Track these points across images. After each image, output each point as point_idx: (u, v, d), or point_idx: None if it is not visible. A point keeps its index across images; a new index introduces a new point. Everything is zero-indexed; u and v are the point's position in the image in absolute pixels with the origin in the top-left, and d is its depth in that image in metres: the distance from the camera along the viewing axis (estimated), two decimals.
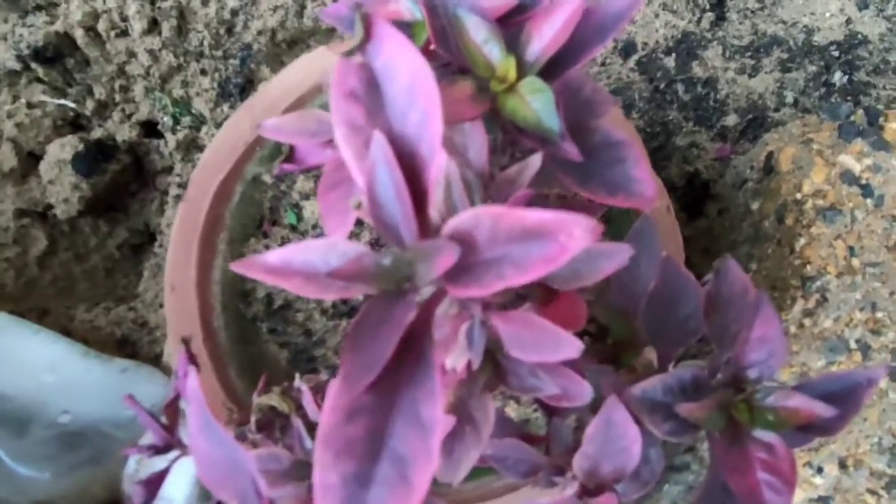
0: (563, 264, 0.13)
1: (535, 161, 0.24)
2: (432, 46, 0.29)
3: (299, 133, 0.27)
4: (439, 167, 0.16)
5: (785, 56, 0.62)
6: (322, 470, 0.13)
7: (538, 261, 0.13)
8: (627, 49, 0.63)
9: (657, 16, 0.63)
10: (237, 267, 0.17)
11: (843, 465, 0.44)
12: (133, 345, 0.59)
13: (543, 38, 0.25)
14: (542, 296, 0.22)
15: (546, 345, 0.18)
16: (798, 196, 0.48)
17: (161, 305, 0.60)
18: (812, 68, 0.61)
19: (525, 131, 0.24)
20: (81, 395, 0.47)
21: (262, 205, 0.52)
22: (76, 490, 0.43)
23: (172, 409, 0.29)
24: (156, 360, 0.57)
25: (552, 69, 0.25)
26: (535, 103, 0.24)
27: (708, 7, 0.64)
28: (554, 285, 0.21)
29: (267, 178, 0.51)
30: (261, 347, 0.51)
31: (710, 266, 0.57)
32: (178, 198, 0.63)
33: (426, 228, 0.16)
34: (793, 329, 0.46)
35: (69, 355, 0.51)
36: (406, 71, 0.17)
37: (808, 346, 0.45)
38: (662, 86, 0.63)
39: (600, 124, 0.25)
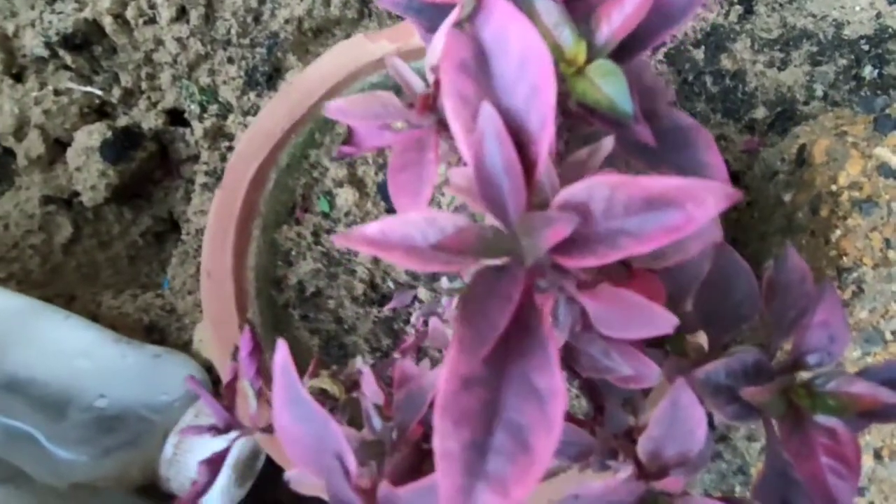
0: (689, 233, 0.13)
1: (608, 143, 0.24)
2: None
3: (364, 115, 0.26)
4: (550, 141, 0.16)
5: (814, 49, 0.62)
6: (442, 438, 0.14)
7: (660, 231, 0.13)
8: None
9: None
10: (339, 240, 0.17)
11: (878, 455, 0.44)
12: (161, 331, 0.59)
13: (613, 23, 0.25)
14: (619, 274, 0.22)
15: (638, 321, 0.18)
16: (833, 188, 0.48)
17: (189, 292, 0.60)
18: (842, 62, 0.61)
19: (596, 114, 0.24)
20: (116, 379, 0.47)
21: (295, 192, 0.52)
22: (114, 473, 0.43)
23: (231, 390, 0.29)
24: (184, 347, 0.57)
25: (619, 54, 0.25)
26: (607, 87, 0.24)
27: (736, 0, 0.64)
28: (634, 263, 0.21)
29: (322, 160, 0.51)
30: (292, 334, 0.51)
31: (740, 253, 0.57)
32: (205, 186, 0.63)
33: (532, 202, 0.16)
34: None
35: (101, 341, 0.51)
36: (516, 42, 0.16)
37: None
38: (691, 78, 0.63)
39: (666, 109, 0.25)
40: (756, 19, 0.64)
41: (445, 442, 0.14)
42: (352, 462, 0.19)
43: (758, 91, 0.62)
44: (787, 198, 0.53)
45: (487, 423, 0.14)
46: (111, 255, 0.69)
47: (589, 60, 0.26)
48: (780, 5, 0.64)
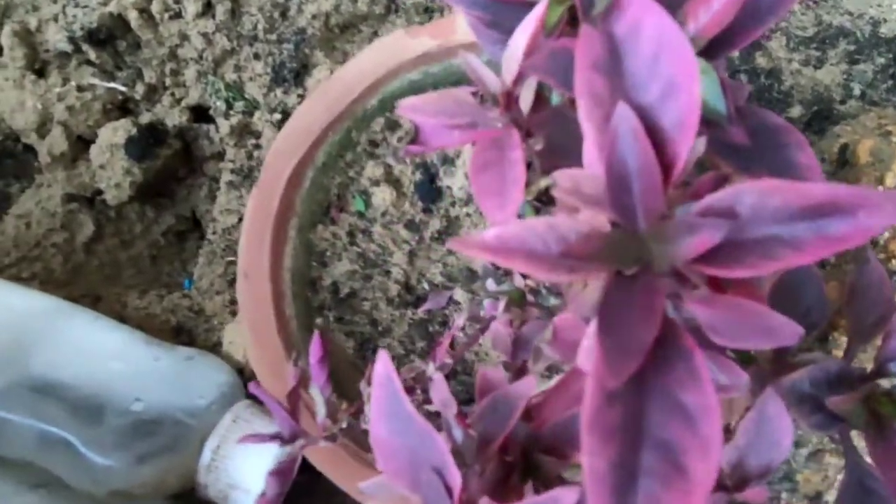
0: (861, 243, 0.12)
1: (700, 145, 0.23)
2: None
3: (437, 113, 0.26)
4: (690, 143, 0.15)
5: (851, 48, 0.61)
6: (590, 455, 0.13)
7: (824, 240, 0.13)
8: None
9: None
10: (455, 244, 0.16)
11: None
12: (189, 332, 0.58)
13: (700, 20, 0.24)
14: (716, 282, 0.21)
15: (758, 331, 0.17)
16: (880, 188, 0.48)
17: (217, 293, 0.59)
18: (880, 60, 0.60)
19: None
20: (151, 383, 0.46)
21: (330, 191, 0.51)
22: (152, 479, 0.42)
23: (294, 397, 0.28)
24: (214, 349, 0.56)
25: (706, 52, 0.24)
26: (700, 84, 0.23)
27: None
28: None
29: (360, 159, 0.50)
30: (328, 336, 0.51)
31: None
32: (230, 184, 0.62)
33: (667, 208, 0.15)
34: None
35: (133, 343, 0.50)
36: (650, 34, 0.16)
37: None
38: (726, 76, 0.62)
39: (752, 108, 0.24)
40: (791, 17, 0.63)
41: (593, 460, 0.13)
42: (455, 477, 0.18)
43: (794, 90, 0.61)
44: None
45: (633, 441, 0.14)
46: (133, 254, 0.68)
47: None
48: (815, 2, 0.63)
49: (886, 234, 0.46)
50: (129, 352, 0.49)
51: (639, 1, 0.16)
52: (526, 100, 0.27)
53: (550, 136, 0.27)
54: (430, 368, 0.28)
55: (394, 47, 0.47)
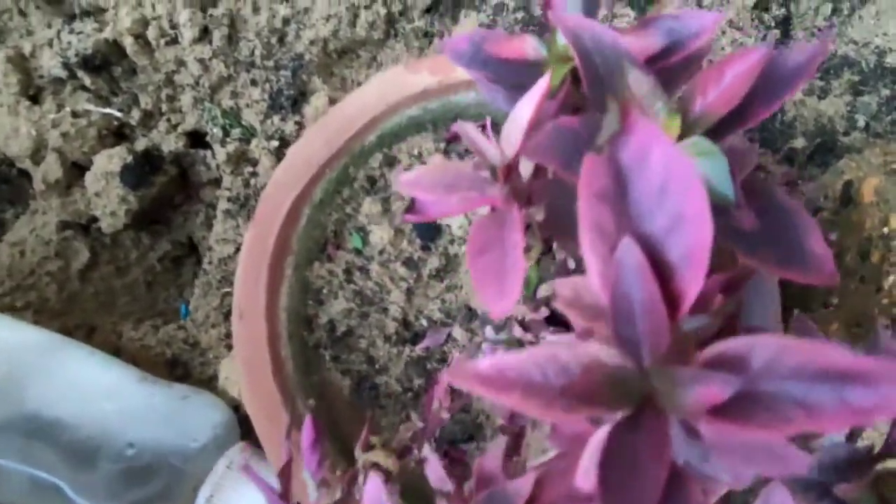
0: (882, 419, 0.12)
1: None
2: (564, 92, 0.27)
3: (435, 187, 0.25)
4: (699, 283, 0.14)
5: (856, 78, 0.60)
6: None
7: (844, 409, 0.12)
8: None
9: (724, 33, 0.62)
10: (450, 376, 0.15)
11: None
12: (184, 365, 0.57)
13: (709, 97, 0.23)
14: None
15: (767, 460, 0.17)
16: (885, 231, 0.47)
17: (213, 325, 0.58)
18: (885, 91, 0.59)
19: None
20: (145, 425, 0.45)
21: (327, 227, 0.50)
22: None
23: (286, 474, 0.27)
24: (209, 383, 0.56)
25: (718, 129, 0.24)
26: (705, 167, 0.22)
27: (774, 24, 0.62)
28: None
29: (357, 195, 0.49)
30: (323, 376, 0.50)
31: (782, 293, 0.55)
32: (227, 213, 0.62)
33: (673, 347, 0.14)
34: None
35: (126, 381, 0.49)
36: (658, 165, 0.15)
37: None
38: None
39: (763, 186, 0.24)
40: (794, 45, 0.62)
41: None
42: None
43: (797, 121, 0.61)
44: (832, 237, 0.52)
45: None
46: (128, 281, 0.67)
47: (684, 136, 0.24)
48: (820, 30, 0.62)
49: (892, 279, 0.46)
50: (122, 391, 0.48)
51: (646, 129, 0.15)
52: (526, 169, 0.27)
53: (551, 205, 0.26)
54: (427, 450, 0.27)
55: (394, 83, 0.46)
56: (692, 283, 0.14)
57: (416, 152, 0.50)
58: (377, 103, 0.46)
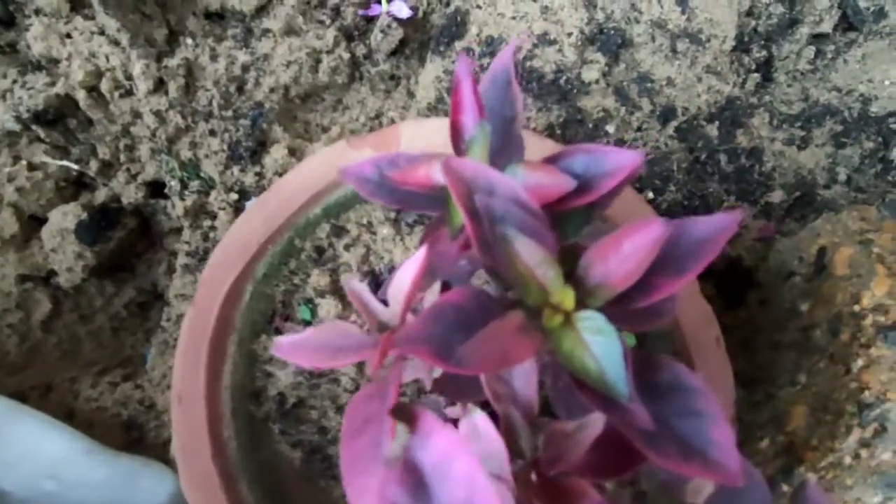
0: None
1: (597, 423, 0.20)
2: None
3: (318, 351, 0.23)
4: None
5: (838, 128, 0.57)
6: None
7: None
8: (666, 115, 0.59)
9: (700, 79, 0.59)
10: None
11: None
12: (140, 428, 0.56)
13: (609, 265, 0.21)
14: None
15: None
16: (856, 308, 0.44)
17: (169, 386, 0.57)
18: (868, 144, 0.56)
19: (584, 385, 0.20)
20: (84, 503, 0.44)
21: (274, 299, 0.49)
22: None
23: None
24: (163, 447, 0.55)
25: (620, 300, 0.22)
26: (597, 348, 0.20)
27: (754, 67, 0.59)
28: None
29: (304, 266, 0.48)
30: (273, 449, 0.49)
31: (748, 360, 0.53)
32: (186, 267, 0.60)
33: None
34: (847, 460, 0.42)
35: (73, 454, 0.48)
36: (461, 479, 0.13)
37: (864, 481, 0.42)
38: (703, 156, 0.59)
39: (668, 361, 0.22)
40: (775, 89, 0.59)
41: None
42: None
43: (775, 172, 0.58)
44: (803, 307, 0.49)
45: None
46: (93, 328, 0.66)
47: (580, 305, 0.22)
48: (802, 74, 0.59)
49: (860, 362, 0.43)
50: (66, 467, 0.47)
51: (444, 435, 0.13)
52: None
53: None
54: None
55: (336, 159, 0.44)
56: None
57: (364, 221, 0.48)
58: (319, 180, 0.44)
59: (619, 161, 0.24)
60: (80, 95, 0.58)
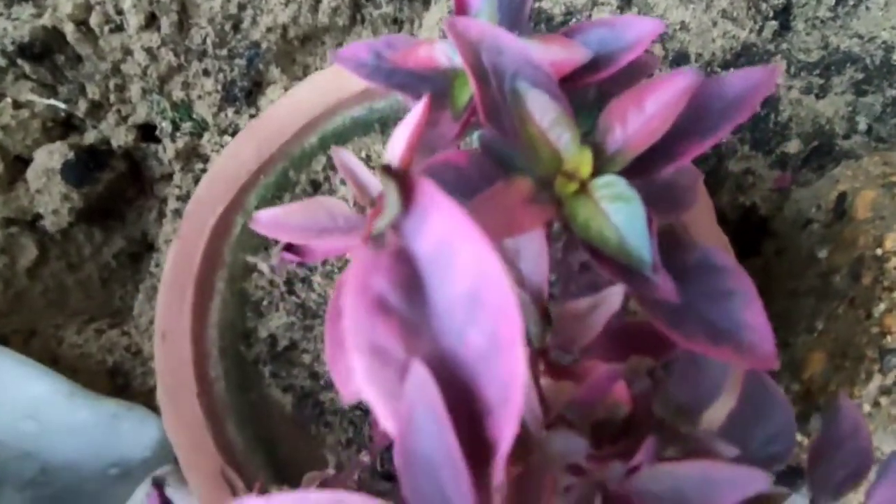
0: None
1: (614, 299, 0.18)
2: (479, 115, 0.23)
3: (305, 229, 0.21)
4: (513, 427, 0.10)
5: (859, 76, 0.54)
6: None
7: None
8: (679, 60, 0.56)
9: (715, 24, 0.56)
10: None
11: None
12: (125, 375, 0.54)
13: (629, 126, 0.19)
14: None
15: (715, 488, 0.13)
16: (879, 252, 0.42)
17: None
18: (891, 91, 0.54)
19: (603, 256, 0.18)
20: (65, 446, 0.42)
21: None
22: None
23: None
24: (149, 394, 0.53)
25: (639, 166, 0.19)
26: (618, 216, 0.18)
27: (772, 14, 0.57)
28: None
29: (263, 268, 0.46)
30: (262, 392, 0.46)
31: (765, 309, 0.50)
32: (177, 212, 0.58)
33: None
34: (867, 408, 0.40)
35: (54, 396, 0.46)
36: (467, 266, 0.11)
37: (884, 429, 0.40)
38: None
39: (697, 240, 0.19)
40: (794, 37, 0.56)
41: None
42: None
43: (792, 121, 0.55)
44: (822, 254, 0.47)
45: None
46: (81, 277, 0.64)
47: (596, 173, 0.20)
48: (822, 22, 0.56)
49: (883, 306, 0.41)
50: (47, 408, 0.45)
51: (447, 211, 0.11)
52: None
53: None
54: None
55: (331, 83, 0.42)
56: (506, 427, 0.10)
57: (363, 155, 0.46)
58: (315, 104, 0.42)
59: (639, 32, 0.22)
60: (69, 28, 0.55)
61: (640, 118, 0.19)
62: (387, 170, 0.11)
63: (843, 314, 0.43)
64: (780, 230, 0.52)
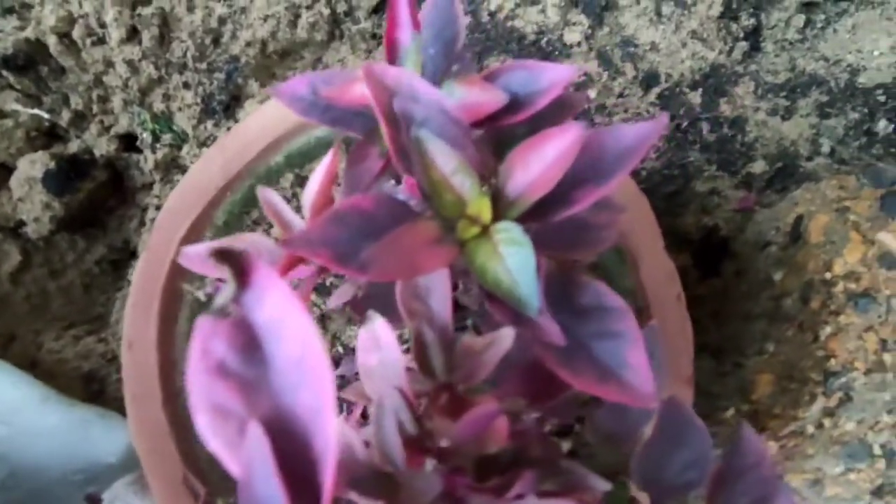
0: None
1: (506, 339, 0.19)
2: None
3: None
4: (331, 480, 0.11)
5: (824, 98, 0.55)
6: None
7: None
8: (649, 80, 0.58)
9: (684, 45, 0.57)
10: None
11: None
12: (101, 381, 0.55)
13: (530, 171, 0.20)
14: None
15: None
16: (827, 276, 0.43)
17: None
18: (853, 115, 0.55)
19: (494, 298, 0.19)
20: (33, 450, 0.44)
21: None
22: None
23: None
24: (123, 401, 0.54)
25: (539, 210, 0.20)
26: (511, 259, 0.19)
27: (742, 35, 0.58)
28: None
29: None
30: None
31: (719, 331, 0.51)
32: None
33: None
34: (810, 429, 0.41)
35: (27, 401, 0.47)
36: (296, 338, 0.12)
37: (825, 450, 0.41)
38: (685, 124, 0.57)
39: (591, 282, 0.20)
40: (762, 59, 0.57)
41: None
42: None
43: (758, 142, 0.56)
44: (777, 276, 0.48)
45: None
46: (64, 284, 0.65)
47: (499, 217, 0.21)
48: (791, 44, 0.57)
49: (828, 329, 0.42)
50: (20, 412, 0.46)
51: (277, 288, 0.12)
52: None
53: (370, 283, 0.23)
54: None
55: None
56: (328, 474, 0.11)
57: None
58: (281, 122, 0.43)
59: (553, 77, 0.23)
60: (51, 41, 0.57)
61: (538, 165, 0.20)
62: (223, 255, 0.13)
63: (791, 337, 0.44)
64: (741, 251, 0.53)
